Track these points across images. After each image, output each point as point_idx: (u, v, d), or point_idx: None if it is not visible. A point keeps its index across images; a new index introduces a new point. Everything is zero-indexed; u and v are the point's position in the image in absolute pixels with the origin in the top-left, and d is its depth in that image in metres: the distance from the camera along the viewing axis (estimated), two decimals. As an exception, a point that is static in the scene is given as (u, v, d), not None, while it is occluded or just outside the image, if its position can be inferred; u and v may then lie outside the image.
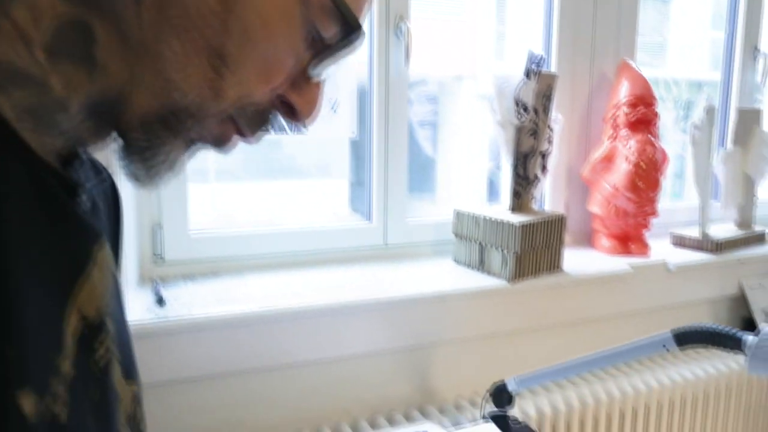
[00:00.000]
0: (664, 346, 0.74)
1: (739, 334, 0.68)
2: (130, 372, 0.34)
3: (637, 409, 1.30)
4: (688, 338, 0.72)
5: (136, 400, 0.34)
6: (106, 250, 0.36)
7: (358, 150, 1.38)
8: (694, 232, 1.57)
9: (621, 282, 1.38)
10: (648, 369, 1.38)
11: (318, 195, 1.43)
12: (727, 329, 0.69)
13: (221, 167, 1.33)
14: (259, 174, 1.37)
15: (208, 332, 1.01)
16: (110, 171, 0.43)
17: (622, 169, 1.41)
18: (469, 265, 1.30)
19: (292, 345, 1.07)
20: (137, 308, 1.00)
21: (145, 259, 1.15)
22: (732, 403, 1.44)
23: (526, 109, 1.25)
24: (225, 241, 1.22)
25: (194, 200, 1.18)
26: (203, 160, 1.29)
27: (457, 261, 1.33)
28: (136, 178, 0.36)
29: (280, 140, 1.41)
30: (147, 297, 1.05)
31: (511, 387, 1.00)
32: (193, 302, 1.04)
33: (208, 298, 1.06)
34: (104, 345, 0.33)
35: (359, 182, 1.37)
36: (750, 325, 1.55)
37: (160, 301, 1.03)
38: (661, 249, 1.53)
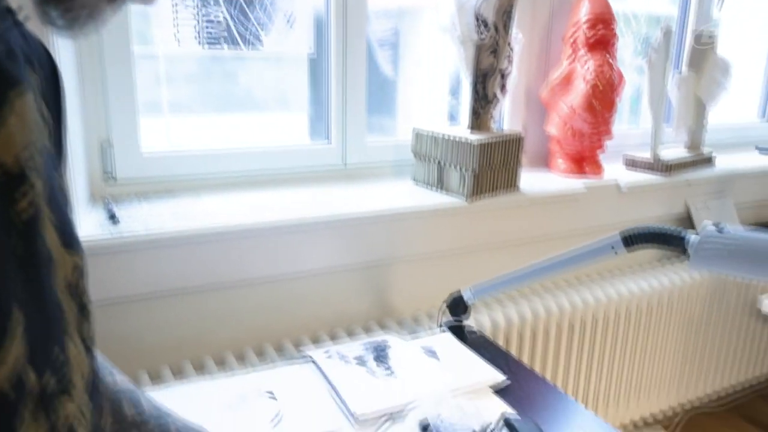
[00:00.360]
0: (612, 248, 0.77)
1: (684, 233, 0.71)
2: (69, 242, 0.33)
3: (586, 320, 1.37)
4: (635, 239, 0.75)
5: (79, 272, 0.33)
6: (28, 99, 0.33)
7: (317, 78, 1.34)
8: (645, 154, 1.61)
9: (575, 201, 1.42)
10: (596, 283, 1.44)
11: (276, 128, 1.40)
12: (671, 229, 0.72)
13: (174, 99, 1.28)
14: (214, 107, 1.33)
15: (164, 249, 1.00)
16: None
17: (579, 89, 1.41)
18: (427, 185, 1.31)
19: (252, 262, 1.07)
20: (89, 225, 0.97)
21: (95, 178, 1.11)
22: (673, 315, 1.53)
23: (486, 25, 1.23)
24: (179, 160, 1.18)
25: (148, 133, 1.14)
26: (155, 92, 1.24)
27: (416, 180, 1.34)
28: (55, 24, 0.33)
29: (236, 72, 1.36)
30: (99, 215, 1.03)
31: (466, 297, 1.03)
32: (148, 219, 1.02)
33: (164, 216, 1.04)
34: (27, 198, 0.31)
35: (318, 116, 1.35)
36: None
37: (113, 218, 1.00)
38: (614, 170, 1.57)
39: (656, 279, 1.49)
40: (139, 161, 1.14)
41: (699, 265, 0.68)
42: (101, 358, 0.53)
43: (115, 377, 0.52)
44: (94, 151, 1.10)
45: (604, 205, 1.48)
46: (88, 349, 0.33)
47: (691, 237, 0.69)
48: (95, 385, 0.34)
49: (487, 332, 1.20)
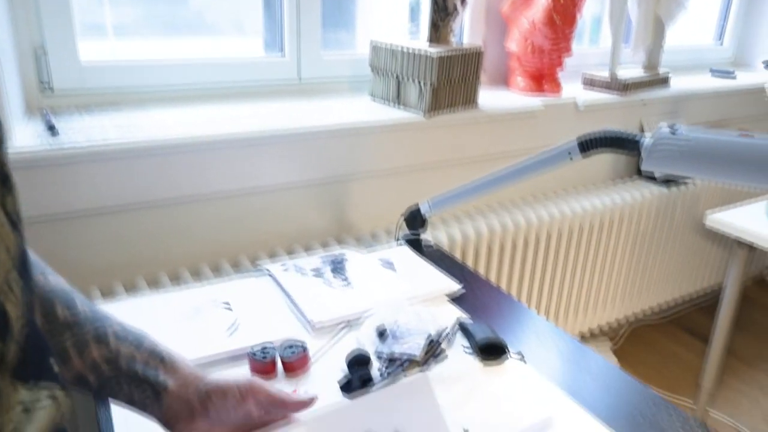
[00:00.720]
0: (569, 153, 0.77)
1: (638, 136, 0.71)
2: None
3: (540, 236, 1.40)
4: (591, 144, 0.75)
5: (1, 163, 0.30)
6: None
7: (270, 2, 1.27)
8: (604, 74, 1.61)
9: (533, 118, 1.42)
10: (550, 201, 1.47)
11: (230, 53, 1.33)
12: (626, 133, 0.73)
13: (119, 22, 1.18)
14: (163, 31, 1.24)
15: (110, 162, 0.96)
16: None
17: (540, 3, 1.38)
18: (385, 100, 1.28)
19: (206, 176, 1.04)
20: (26, 137, 0.92)
21: (30, 88, 1.03)
22: (623, 231, 1.58)
23: (446, -71, 1.17)
24: (124, 71, 1.11)
25: (91, 57, 1.06)
26: (99, 15, 1.15)
27: (373, 96, 1.30)
28: None
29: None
30: (36, 126, 0.97)
31: (424, 210, 1.03)
32: (90, 131, 0.96)
33: (107, 128, 0.98)
34: None
35: (274, 39, 1.28)
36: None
37: (52, 129, 0.95)
38: (572, 89, 1.56)
39: (608, 196, 1.52)
40: (78, 71, 1.07)
41: (652, 167, 0.69)
42: (32, 256, 0.50)
43: (48, 277, 0.50)
44: (27, 58, 1.02)
45: (561, 123, 1.49)
46: (14, 225, 0.31)
47: (646, 140, 0.70)
48: (25, 264, 0.32)
49: (445, 248, 1.22)
